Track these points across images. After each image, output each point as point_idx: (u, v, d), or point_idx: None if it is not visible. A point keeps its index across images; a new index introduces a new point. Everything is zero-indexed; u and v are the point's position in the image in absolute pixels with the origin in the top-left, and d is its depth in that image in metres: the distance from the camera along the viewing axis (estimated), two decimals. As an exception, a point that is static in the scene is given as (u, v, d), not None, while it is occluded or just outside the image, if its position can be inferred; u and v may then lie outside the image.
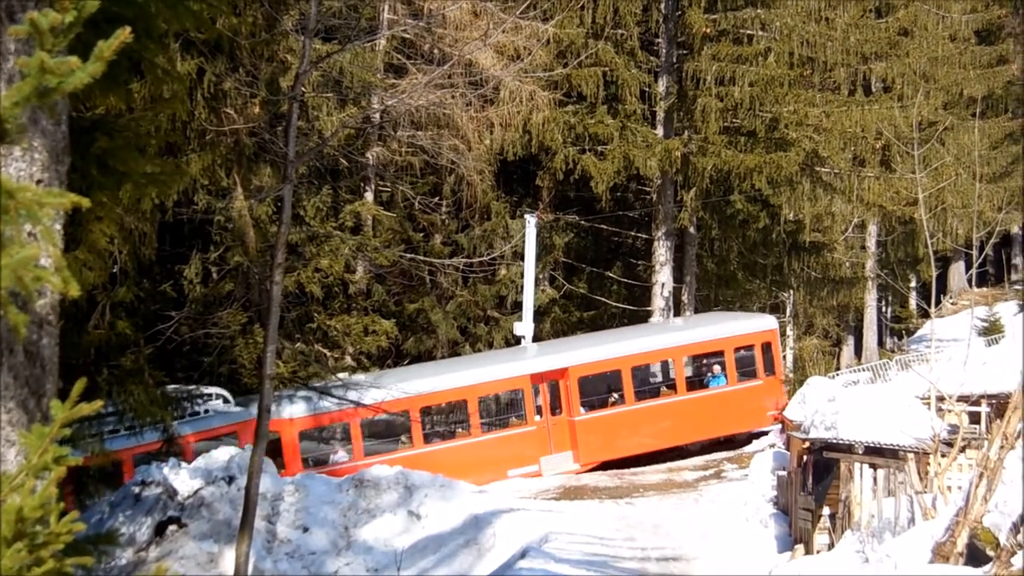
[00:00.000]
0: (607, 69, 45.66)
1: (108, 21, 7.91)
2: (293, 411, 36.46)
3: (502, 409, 40.11)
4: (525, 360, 40.35)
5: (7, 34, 7.81)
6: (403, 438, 38.01)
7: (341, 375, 35.92)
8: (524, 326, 41.99)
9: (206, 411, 35.85)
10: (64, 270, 6.67)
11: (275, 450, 34.65)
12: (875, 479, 25.79)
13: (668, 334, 41.85)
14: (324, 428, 37.73)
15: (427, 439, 38.04)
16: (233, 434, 35.17)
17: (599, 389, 39.98)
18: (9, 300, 6.70)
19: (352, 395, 32.10)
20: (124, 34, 6.72)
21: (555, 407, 39.19)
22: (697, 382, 41.41)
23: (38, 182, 7.97)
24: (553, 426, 38.73)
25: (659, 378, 41.49)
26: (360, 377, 35.78)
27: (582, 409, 39.24)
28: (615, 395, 39.91)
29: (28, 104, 6.70)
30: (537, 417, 38.75)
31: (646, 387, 40.71)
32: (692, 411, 39.88)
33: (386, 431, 38.21)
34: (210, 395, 36.23)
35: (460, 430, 38.62)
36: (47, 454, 7.20)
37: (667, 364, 40.90)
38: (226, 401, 36.55)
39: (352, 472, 33.06)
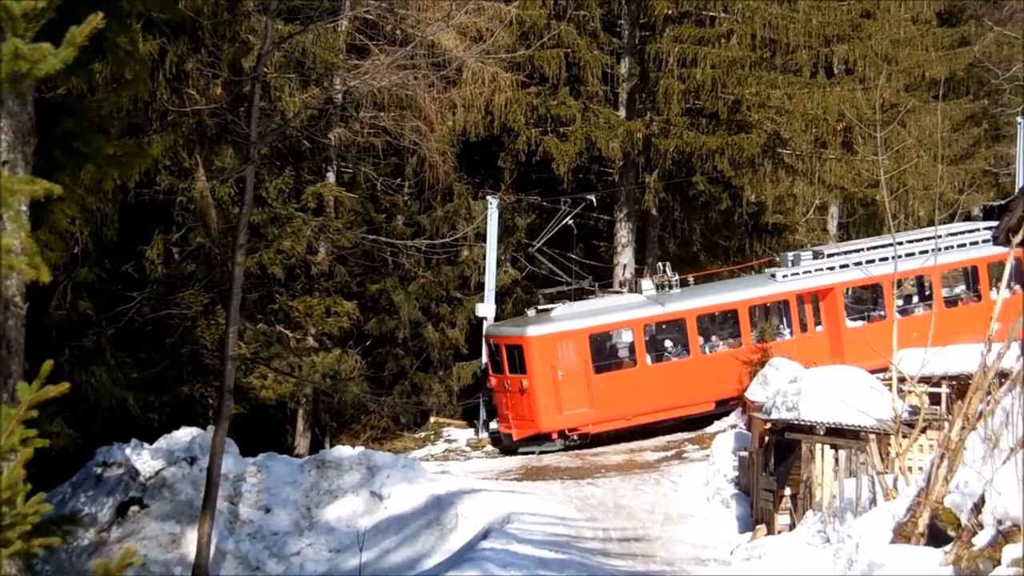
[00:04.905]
0: (569, 50, 45.59)
1: (75, 1, 7.87)
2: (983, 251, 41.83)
3: None
4: None
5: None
6: None
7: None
8: (487, 307, 42.02)
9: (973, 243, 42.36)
10: (36, 256, 6.65)
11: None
12: (837, 460, 25.90)
13: None
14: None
15: None
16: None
17: None
18: (-21, 285, 6.68)
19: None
20: (96, 20, 6.67)
21: None
22: None
23: (4, 163, 7.94)
24: None
25: None
26: None
27: None
28: None
29: (-2, 89, 6.67)
30: None
31: None
32: None
33: None
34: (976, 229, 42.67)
35: None
36: (14, 435, 7.17)
37: None
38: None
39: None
